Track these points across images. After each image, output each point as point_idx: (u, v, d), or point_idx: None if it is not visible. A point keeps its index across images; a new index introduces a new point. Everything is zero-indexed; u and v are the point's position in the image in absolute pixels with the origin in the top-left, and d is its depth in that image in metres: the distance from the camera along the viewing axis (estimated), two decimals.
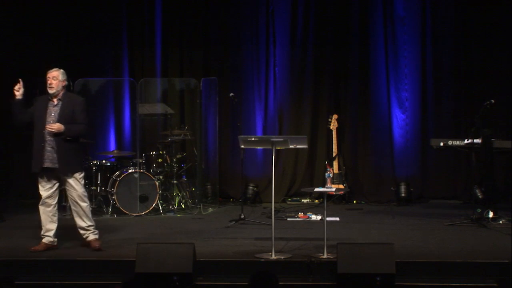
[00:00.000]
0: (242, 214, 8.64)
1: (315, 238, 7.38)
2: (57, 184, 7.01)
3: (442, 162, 10.44)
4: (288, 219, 8.96)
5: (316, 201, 10.30)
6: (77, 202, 7.01)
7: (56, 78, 6.95)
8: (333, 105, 10.60)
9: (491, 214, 8.32)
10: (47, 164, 6.89)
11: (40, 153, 6.86)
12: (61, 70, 7.03)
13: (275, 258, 6.57)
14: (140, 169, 9.28)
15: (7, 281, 6.25)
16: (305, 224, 8.62)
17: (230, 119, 10.48)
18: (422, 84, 10.45)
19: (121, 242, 7.37)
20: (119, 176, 9.18)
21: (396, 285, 5.96)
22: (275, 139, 6.96)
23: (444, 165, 10.46)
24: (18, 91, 6.87)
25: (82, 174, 7.07)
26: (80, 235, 7.13)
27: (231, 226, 8.39)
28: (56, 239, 7.05)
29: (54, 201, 7.06)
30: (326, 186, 7.11)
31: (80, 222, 7.06)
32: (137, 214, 9.11)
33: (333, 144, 10.30)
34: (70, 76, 9.22)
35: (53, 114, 6.91)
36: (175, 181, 9.57)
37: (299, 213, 9.14)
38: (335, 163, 10.28)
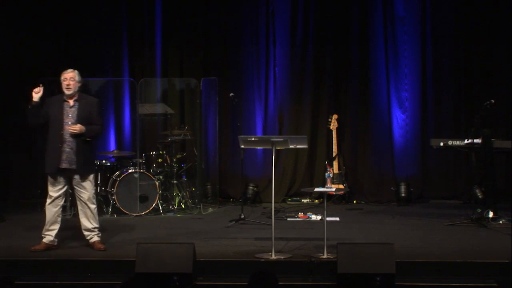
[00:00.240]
0: (242, 214, 8.64)
1: (315, 238, 7.38)
2: (66, 185, 7.03)
3: (442, 162, 10.44)
4: (288, 219, 8.96)
5: (316, 201, 10.30)
6: (86, 204, 7.02)
7: (73, 79, 6.97)
8: (333, 105, 10.60)
9: (491, 214, 8.31)
10: (64, 165, 6.89)
11: (57, 153, 6.85)
12: (76, 71, 7.05)
13: (275, 258, 6.57)
14: (140, 169, 9.28)
15: (7, 281, 6.25)
16: (305, 224, 8.62)
17: (230, 119, 10.48)
18: (422, 84, 10.45)
19: (121, 242, 7.37)
20: (119, 176, 9.18)
21: (396, 285, 5.96)
22: (275, 139, 6.96)
23: (444, 165, 10.46)
24: (37, 93, 6.82)
25: (93, 176, 7.17)
26: (84, 236, 7.12)
27: (231, 226, 8.39)
28: (56, 239, 7.05)
29: (61, 202, 7.06)
30: (326, 186, 7.11)
31: (86, 224, 7.06)
32: (137, 214, 9.11)
33: (333, 144, 10.30)
34: None
35: (70, 115, 6.92)
36: (175, 181, 9.57)
37: (299, 213, 9.14)
38: (335, 163, 10.28)
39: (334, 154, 10.29)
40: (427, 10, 10.41)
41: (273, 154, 6.91)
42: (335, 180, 10.04)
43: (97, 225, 7.08)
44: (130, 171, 9.23)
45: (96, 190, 9.30)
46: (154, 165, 9.54)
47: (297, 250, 6.94)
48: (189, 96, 10.54)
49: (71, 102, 6.97)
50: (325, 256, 6.55)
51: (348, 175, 10.45)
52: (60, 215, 7.08)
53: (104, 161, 9.55)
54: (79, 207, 7.09)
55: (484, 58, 10.29)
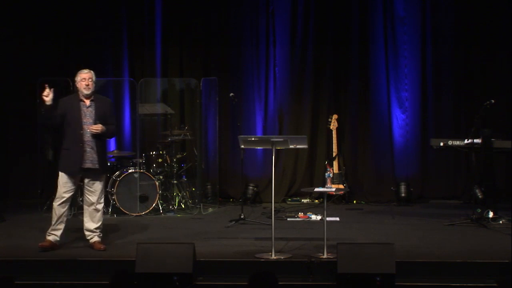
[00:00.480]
0: (242, 214, 8.64)
1: (315, 238, 7.38)
2: (76, 186, 7.09)
3: (442, 162, 10.44)
4: (288, 219, 8.96)
5: (316, 201, 10.30)
6: (95, 203, 7.05)
7: (91, 79, 7.01)
8: (333, 105, 10.60)
9: (491, 214, 8.32)
10: (88, 165, 6.94)
11: (79, 154, 6.89)
12: (92, 71, 7.10)
13: (275, 258, 6.57)
14: (140, 169, 9.28)
15: (7, 281, 6.24)
16: (305, 224, 8.62)
17: (230, 119, 10.48)
18: (422, 84, 10.45)
19: (121, 242, 7.37)
20: (119, 176, 9.18)
21: (396, 285, 5.96)
22: (275, 139, 6.96)
23: (444, 165, 10.46)
24: (47, 96, 6.80)
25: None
26: (84, 235, 7.13)
27: (231, 226, 8.39)
28: (60, 240, 7.05)
29: (70, 202, 7.11)
30: (326, 186, 7.12)
31: (89, 224, 7.08)
32: (137, 214, 9.11)
33: (333, 144, 10.30)
34: (70, 76, 9.26)
35: (88, 115, 6.96)
36: (175, 181, 9.57)
37: (299, 213, 9.14)
38: (335, 163, 10.27)
39: (334, 154, 10.29)
40: (427, 10, 10.40)
41: (273, 154, 6.92)
42: (335, 180, 10.04)
43: (99, 226, 7.08)
44: (130, 171, 9.23)
45: None
46: (154, 165, 9.54)
47: (297, 250, 6.94)
48: (189, 96, 10.53)
49: (88, 102, 7.01)
50: (325, 256, 6.56)
51: (348, 175, 10.45)
52: (66, 216, 7.09)
53: None
54: (86, 207, 7.10)
55: (484, 58, 10.29)
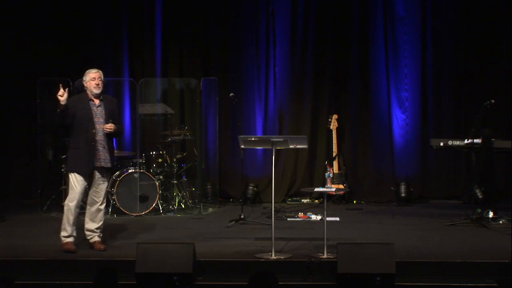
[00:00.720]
0: (242, 214, 8.64)
1: (315, 238, 7.38)
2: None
3: (442, 162, 10.43)
4: (288, 219, 8.96)
5: (316, 201, 10.30)
6: (98, 203, 7.06)
7: (101, 78, 7.02)
8: (333, 105, 10.59)
9: (491, 214, 8.32)
10: (101, 164, 6.97)
11: (92, 153, 6.91)
12: (100, 70, 7.11)
13: (275, 258, 6.57)
14: (140, 169, 9.28)
15: (7, 281, 6.25)
16: (305, 224, 8.62)
17: (230, 119, 10.47)
18: (422, 84, 10.44)
19: (121, 242, 7.37)
20: (119, 176, 9.18)
21: (396, 285, 5.96)
22: (275, 139, 6.96)
23: (444, 165, 10.46)
24: (62, 96, 6.76)
25: None
26: (85, 235, 7.13)
27: (231, 226, 8.39)
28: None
29: None
30: (326, 186, 7.12)
31: (90, 225, 7.07)
32: (137, 214, 9.11)
33: (333, 144, 10.29)
34: (70, 76, 9.29)
35: (98, 115, 6.98)
36: (175, 181, 9.57)
37: (299, 213, 9.15)
38: (335, 163, 10.27)
39: (334, 154, 10.29)
40: (427, 10, 10.40)
41: (273, 154, 6.92)
42: (335, 180, 10.04)
43: (100, 226, 7.08)
44: (130, 171, 9.23)
45: None
46: (154, 165, 9.54)
47: (297, 250, 6.94)
48: (189, 96, 10.53)
49: (97, 101, 7.02)
50: (325, 256, 6.56)
51: (348, 175, 10.45)
52: None
53: None
54: (88, 207, 7.10)
55: (484, 58, 10.28)
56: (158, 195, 9.17)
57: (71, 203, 6.93)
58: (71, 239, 6.96)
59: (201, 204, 9.59)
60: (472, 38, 10.31)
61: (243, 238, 7.64)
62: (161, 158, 9.58)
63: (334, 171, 10.18)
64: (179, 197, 9.60)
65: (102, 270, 5.23)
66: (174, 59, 10.77)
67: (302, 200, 10.38)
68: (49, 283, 6.27)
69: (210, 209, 9.70)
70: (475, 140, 8.47)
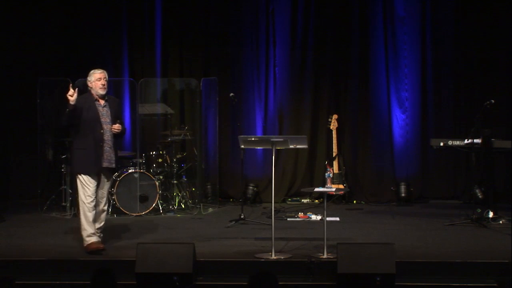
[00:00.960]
0: (242, 214, 8.64)
1: (315, 238, 7.38)
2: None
3: (442, 162, 10.44)
4: (288, 219, 8.96)
5: (316, 201, 10.30)
6: (102, 204, 7.05)
7: (106, 79, 7.02)
8: (333, 105, 10.60)
9: (491, 214, 8.32)
10: (106, 164, 6.95)
11: (100, 153, 6.88)
12: (104, 70, 7.10)
13: (275, 258, 6.57)
14: (140, 169, 9.28)
15: (7, 281, 6.25)
16: (305, 224, 8.62)
17: (230, 119, 10.47)
18: (422, 84, 10.44)
19: (121, 242, 7.37)
20: (119, 176, 9.17)
21: (396, 285, 5.96)
22: (275, 139, 6.96)
23: (444, 165, 10.46)
24: (72, 96, 6.73)
25: None
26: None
27: (231, 226, 8.39)
28: None
29: None
30: (326, 186, 7.12)
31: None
32: (137, 214, 9.11)
33: (333, 144, 10.30)
34: (70, 76, 9.29)
35: (104, 115, 6.96)
36: (175, 181, 9.57)
37: (299, 213, 9.15)
38: (335, 163, 10.27)
39: (334, 154, 10.29)
40: (427, 10, 10.40)
41: (273, 154, 6.92)
42: (335, 180, 10.04)
43: (101, 226, 7.08)
44: (130, 171, 9.22)
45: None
46: (154, 165, 9.54)
47: (297, 250, 6.94)
48: (189, 96, 10.53)
49: (102, 102, 7.00)
50: (325, 256, 6.56)
51: (348, 175, 10.45)
52: None
53: None
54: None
55: (484, 58, 10.28)
56: (158, 195, 9.17)
57: (87, 201, 6.87)
58: (94, 238, 6.91)
59: (201, 204, 9.59)
60: (472, 38, 10.31)
61: (243, 238, 7.64)
62: (161, 158, 9.58)
63: (334, 171, 10.18)
64: (179, 197, 9.60)
65: (98, 270, 5.22)
66: (174, 59, 10.77)
67: (302, 200, 10.39)
68: (49, 283, 6.26)
69: (210, 209, 9.70)
70: (475, 140, 8.46)
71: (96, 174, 6.93)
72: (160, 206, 9.22)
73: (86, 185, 6.87)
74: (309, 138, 9.77)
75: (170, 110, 10.17)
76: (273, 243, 6.68)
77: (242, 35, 10.65)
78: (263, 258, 6.59)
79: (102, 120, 6.94)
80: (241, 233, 7.95)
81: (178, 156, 9.75)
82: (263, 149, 10.38)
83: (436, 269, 6.35)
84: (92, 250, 6.81)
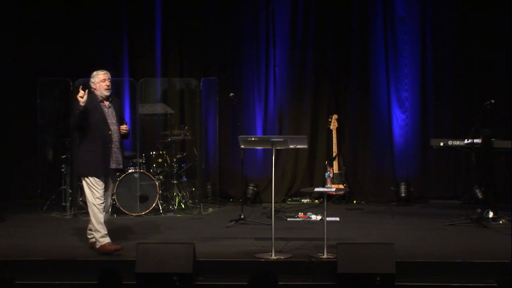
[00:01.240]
0: (242, 214, 8.64)
1: (315, 238, 7.38)
2: None
3: (442, 162, 10.44)
4: (288, 219, 8.96)
5: (316, 201, 10.30)
6: (107, 204, 7.04)
7: (110, 79, 6.96)
8: (333, 105, 10.60)
9: (491, 214, 8.32)
10: (114, 165, 6.95)
11: (108, 155, 6.86)
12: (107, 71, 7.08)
13: (275, 258, 6.57)
14: (140, 169, 9.28)
15: (7, 281, 6.25)
16: (305, 224, 8.62)
17: (230, 119, 10.48)
18: (422, 84, 10.45)
19: (121, 242, 7.36)
20: (119, 176, 9.16)
21: (396, 285, 5.96)
22: (275, 139, 6.96)
23: (444, 165, 10.46)
24: (83, 97, 6.68)
25: None
26: (86, 234, 7.14)
27: (231, 226, 8.39)
28: None
29: None
30: (326, 186, 7.11)
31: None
32: (137, 214, 9.11)
33: (333, 144, 10.30)
34: (70, 76, 9.29)
35: (110, 116, 6.93)
36: (175, 181, 9.57)
37: (299, 213, 9.15)
38: (335, 163, 10.27)
39: (334, 154, 10.29)
40: (427, 10, 10.40)
41: (273, 154, 6.92)
42: (335, 180, 10.04)
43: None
44: (130, 171, 9.22)
45: None
46: (154, 165, 9.54)
47: (297, 250, 6.94)
48: (189, 96, 10.53)
49: (107, 103, 6.97)
50: (325, 256, 6.56)
51: (348, 175, 10.45)
52: None
53: None
54: None
55: (484, 58, 10.28)
56: (158, 195, 9.18)
57: (97, 203, 6.84)
58: (108, 239, 6.89)
59: (201, 204, 9.59)
60: (472, 38, 10.32)
61: (243, 238, 7.64)
62: (161, 158, 9.58)
63: (334, 171, 10.18)
64: (179, 197, 9.60)
65: (105, 271, 5.23)
66: (174, 59, 10.77)
67: (302, 200, 10.39)
68: (49, 283, 6.26)
69: (210, 209, 9.70)
70: (475, 140, 8.47)
71: (104, 175, 6.91)
72: (160, 206, 9.23)
73: (94, 187, 6.83)
74: (309, 138, 9.77)
75: (170, 110, 10.17)
76: (273, 243, 6.68)
77: (242, 35, 10.65)
78: (263, 258, 6.59)
79: (109, 121, 6.91)
80: (241, 233, 7.95)
81: (178, 156, 9.76)
82: (263, 149, 10.38)
83: (436, 269, 6.35)
84: (109, 251, 6.78)
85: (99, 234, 6.86)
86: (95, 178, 6.83)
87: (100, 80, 6.91)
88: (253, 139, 7.42)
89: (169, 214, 9.26)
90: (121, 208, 9.08)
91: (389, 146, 10.51)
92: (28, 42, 10.41)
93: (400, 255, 6.32)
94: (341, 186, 10.06)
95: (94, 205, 6.84)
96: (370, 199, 10.39)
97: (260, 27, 10.60)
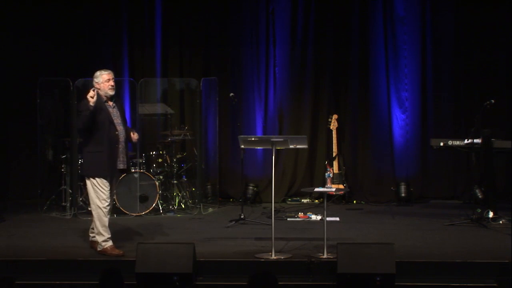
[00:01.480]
0: (242, 214, 8.64)
1: (315, 238, 7.38)
2: None
3: (442, 162, 10.43)
4: (288, 219, 8.96)
5: (316, 201, 10.30)
6: (110, 204, 7.03)
7: (113, 79, 6.93)
8: (333, 105, 10.59)
9: (491, 214, 8.32)
10: (122, 166, 6.94)
11: (115, 155, 6.84)
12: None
13: (275, 258, 6.57)
14: (140, 169, 9.28)
15: (7, 281, 6.25)
16: (305, 224, 8.62)
17: (230, 119, 10.47)
18: (422, 84, 10.44)
19: (121, 242, 7.37)
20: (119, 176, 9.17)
21: (396, 285, 5.96)
22: (275, 139, 6.97)
23: (444, 165, 10.45)
24: (93, 98, 6.65)
25: None
26: (88, 234, 7.14)
27: (231, 226, 8.39)
28: None
29: None
30: (326, 186, 7.12)
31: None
32: (137, 214, 9.11)
33: (333, 144, 10.29)
34: (70, 76, 9.29)
35: (115, 116, 6.91)
36: (175, 181, 9.57)
37: (299, 213, 9.15)
38: (335, 163, 10.27)
39: (334, 154, 10.28)
40: (427, 10, 10.39)
41: (273, 154, 6.92)
42: (335, 180, 10.03)
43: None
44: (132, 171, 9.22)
45: None
46: (154, 165, 9.54)
47: (297, 250, 6.94)
48: (189, 96, 10.53)
49: (111, 103, 6.94)
50: (325, 256, 6.56)
51: (348, 175, 10.45)
52: None
53: None
54: None
55: (484, 58, 10.28)
56: (158, 195, 9.18)
57: (102, 206, 6.81)
58: (110, 242, 6.88)
59: (201, 204, 9.58)
60: (472, 38, 10.31)
61: (243, 238, 7.64)
62: (161, 158, 9.58)
63: (334, 171, 10.18)
64: (179, 197, 9.60)
65: (107, 270, 5.22)
66: (174, 59, 10.77)
67: (302, 200, 10.38)
68: (49, 283, 6.27)
69: (210, 209, 9.70)
70: (475, 140, 8.47)
71: (111, 176, 6.90)
72: (160, 206, 9.22)
73: (100, 189, 6.81)
74: (309, 138, 9.76)
75: (170, 110, 10.17)
76: (273, 243, 6.68)
77: (242, 35, 10.64)
78: (263, 258, 6.59)
79: (115, 121, 6.88)
80: (241, 233, 7.95)
81: (178, 156, 9.76)
82: (263, 149, 10.38)
83: (436, 269, 6.35)
84: (109, 255, 6.77)
85: (102, 238, 6.85)
86: (102, 180, 6.80)
87: (105, 80, 6.87)
88: (253, 139, 7.43)
89: (169, 214, 9.26)
90: (121, 208, 9.08)
91: (389, 146, 10.50)
92: (28, 42, 10.41)
93: (400, 255, 6.33)
94: (341, 186, 10.06)
95: (100, 208, 6.82)
96: (370, 199, 10.38)
97: (260, 27, 10.59)
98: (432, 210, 9.53)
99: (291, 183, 10.59)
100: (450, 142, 8.84)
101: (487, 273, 6.25)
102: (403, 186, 10.17)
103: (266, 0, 10.55)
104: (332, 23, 10.52)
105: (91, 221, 7.07)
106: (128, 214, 9.08)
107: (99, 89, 6.85)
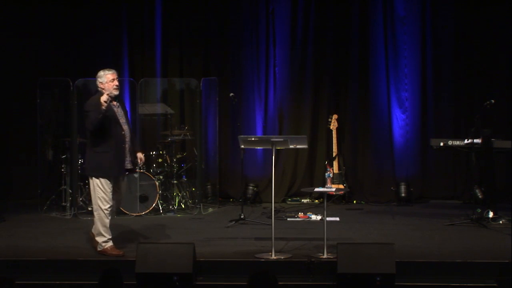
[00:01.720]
0: (242, 214, 8.64)
1: (315, 238, 7.38)
2: None
3: (442, 162, 10.43)
4: (288, 219, 8.96)
5: (316, 201, 10.30)
6: (115, 204, 7.04)
7: (117, 79, 6.90)
8: (333, 105, 10.59)
9: (491, 214, 8.32)
10: (129, 165, 6.94)
11: (122, 155, 6.82)
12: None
13: (275, 258, 6.57)
14: (140, 169, 9.28)
15: (7, 281, 6.24)
16: (305, 224, 8.62)
17: (230, 119, 10.48)
18: (422, 84, 10.44)
19: (121, 242, 7.37)
20: None
21: (396, 285, 5.96)
22: (275, 139, 6.96)
23: (444, 165, 10.46)
24: (106, 102, 6.60)
25: None
26: (89, 233, 7.13)
27: (231, 226, 8.39)
28: None
29: None
30: (326, 186, 7.12)
31: None
32: (137, 214, 9.11)
33: (333, 144, 10.29)
34: (70, 76, 9.29)
35: (120, 116, 6.89)
36: (175, 181, 9.57)
37: (299, 213, 9.15)
38: (335, 163, 10.27)
39: (334, 154, 10.29)
40: (427, 10, 10.40)
41: (273, 154, 6.92)
42: (335, 180, 10.04)
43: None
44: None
45: None
46: (154, 165, 9.54)
47: (297, 250, 6.94)
48: (189, 96, 10.53)
49: (115, 103, 6.90)
50: (325, 256, 6.56)
51: (348, 175, 10.45)
52: None
53: None
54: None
55: (484, 58, 10.29)
56: (158, 195, 9.18)
57: (104, 207, 6.79)
58: (111, 243, 6.87)
59: (201, 204, 9.59)
60: (472, 38, 10.32)
61: (243, 238, 7.64)
62: (161, 158, 9.58)
63: (334, 171, 10.18)
64: (179, 197, 9.60)
65: (107, 270, 5.22)
66: (174, 59, 10.77)
67: (302, 200, 10.38)
68: (49, 283, 6.27)
69: (210, 209, 9.70)
70: (475, 140, 8.47)
71: (116, 176, 6.87)
72: (160, 206, 9.23)
73: (104, 190, 6.78)
74: (309, 138, 9.76)
75: (170, 110, 10.17)
76: (273, 243, 6.68)
77: (242, 35, 10.65)
78: (263, 258, 6.59)
79: (120, 121, 6.87)
80: (241, 233, 7.95)
81: (178, 156, 9.76)
82: (263, 149, 10.38)
83: (436, 269, 6.35)
84: (109, 255, 6.77)
85: (103, 239, 6.85)
86: (106, 180, 6.78)
87: (109, 80, 6.81)
88: (253, 139, 7.42)
89: (169, 214, 9.27)
90: (121, 208, 9.07)
91: (389, 146, 10.50)
92: (28, 42, 10.41)
93: (400, 255, 6.32)
94: (341, 186, 10.06)
95: (101, 209, 6.80)
96: (370, 199, 10.38)
97: (260, 27, 10.59)
98: (432, 210, 9.53)
99: (291, 183, 10.59)
100: (450, 142, 8.84)
101: (487, 273, 6.25)
102: (403, 186, 10.18)
103: (266, 0, 10.55)
104: (332, 23, 10.53)
105: (93, 221, 7.08)
106: (128, 214, 9.08)
107: (103, 89, 6.80)
